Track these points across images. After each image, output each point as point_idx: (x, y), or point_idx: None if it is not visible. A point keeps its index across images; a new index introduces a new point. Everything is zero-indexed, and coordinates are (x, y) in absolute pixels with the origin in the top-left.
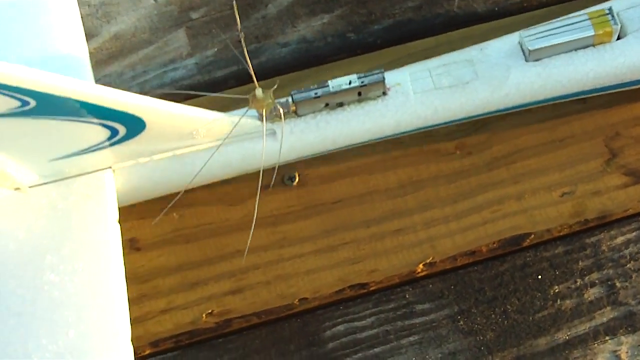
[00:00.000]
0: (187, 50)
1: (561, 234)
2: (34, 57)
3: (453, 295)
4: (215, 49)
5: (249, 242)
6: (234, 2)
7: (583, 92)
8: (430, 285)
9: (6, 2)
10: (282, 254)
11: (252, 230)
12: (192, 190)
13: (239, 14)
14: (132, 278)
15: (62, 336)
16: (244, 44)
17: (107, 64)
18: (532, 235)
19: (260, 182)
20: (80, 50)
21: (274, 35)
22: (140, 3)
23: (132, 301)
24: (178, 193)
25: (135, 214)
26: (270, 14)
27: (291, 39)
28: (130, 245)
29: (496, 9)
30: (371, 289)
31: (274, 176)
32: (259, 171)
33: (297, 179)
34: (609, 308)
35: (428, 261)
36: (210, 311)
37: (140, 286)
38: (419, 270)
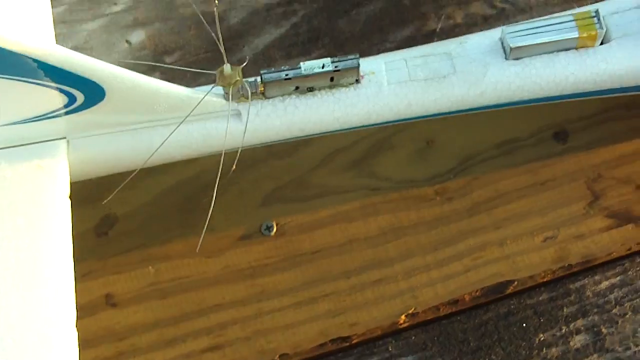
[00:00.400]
0: None
1: (545, 280)
2: None
3: (437, 347)
4: (197, 46)
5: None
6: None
7: (561, 97)
8: (413, 337)
9: None
10: (261, 308)
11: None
12: (168, 242)
13: (216, 58)
14: (109, 335)
15: (2, 317)
16: (216, 15)
17: None
18: (515, 282)
19: (221, 164)
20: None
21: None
22: (114, 47)
23: None
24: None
25: (110, 269)
26: (246, 58)
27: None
28: (106, 301)
29: None
30: (353, 342)
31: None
32: (236, 222)
33: (275, 229)
34: (595, 355)
35: (410, 312)
36: None
37: (117, 344)
38: (402, 321)
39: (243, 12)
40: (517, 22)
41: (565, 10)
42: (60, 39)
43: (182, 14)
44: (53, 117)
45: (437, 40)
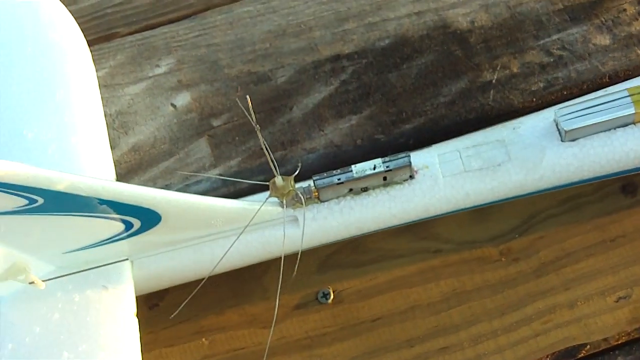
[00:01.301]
0: (210, 161)
1: (619, 342)
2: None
3: None
4: (239, 159)
5: (269, 340)
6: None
7: (623, 172)
8: None
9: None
10: None
11: (272, 327)
12: (222, 313)
13: (265, 119)
14: None
15: None
16: (259, 133)
17: (126, 178)
18: (588, 346)
19: (282, 270)
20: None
21: (300, 140)
22: (159, 111)
23: None
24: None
25: (163, 342)
26: (296, 118)
27: (318, 143)
28: None
29: (534, 99)
30: None
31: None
32: (291, 290)
33: (332, 296)
34: None
35: None
36: None
37: None
38: None
39: (290, 70)
40: (576, 70)
41: (626, 54)
42: (104, 104)
43: (227, 74)
44: (114, 241)
45: (493, 93)
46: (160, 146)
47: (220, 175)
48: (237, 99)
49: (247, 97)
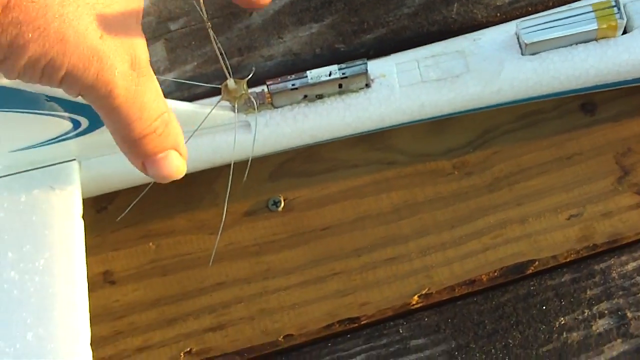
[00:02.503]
0: (165, 65)
1: (568, 260)
2: None
3: (450, 329)
4: (195, 63)
5: (215, 246)
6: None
7: (582, 89)
8: (426, 319)
9: None
10: (266, 287)
11: (219, 233)
12: (171, 218)
13: (222, 24)
14: (107, 314)
15: (20, 339)
16: (211, 32)
17: None
18: (537, 262)
19: (230, 176)
20: None
21: (257, 47)
22: None
23: (106, 339)
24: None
25: (109, 245)
26: (255, 24)
27: (276, 51)
28: (104, 279)
29: (498, 14)
30: (362, 323)
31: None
32: (242, 197)
33: (282, 204)
34: (619, 341)
35: (423, 292)
36: (189, 349)
37: (115, 323)
38: (414, 302)
39: None
40: None
41: None
42: None
43: None
44: (62, 140)
45: (457, 6)
46: None
47: (175, 79)
48: (194, 1)
49: None
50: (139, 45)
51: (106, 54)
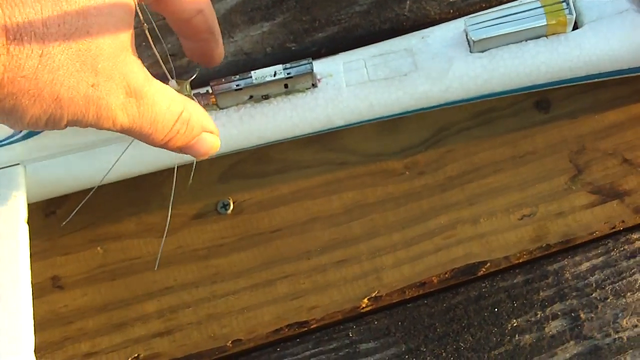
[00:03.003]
0: None
1: (520, 261)
2: None
3: (400, 333)
4: (146, 64)
5: (160, 250)
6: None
7: (534, 86)
8: (376, 322)
9: None
10: (214, 291)
11: (164, 237)
12: (119, 222)
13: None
14: (55, 319)
15: None
16: (147, 34)
17: None
18: (488, 264)
19: (175, 178)
20: None
21: None
22: None
23: (54, 345)
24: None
25: (57, 250)
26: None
27: (227, 50)
28: (53, 284)
29: (451, 10)
30: (311, 327)
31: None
32: (191, 199)
33: (231, 207)
34: (572, 342)
35: (373, 295)
36: (136, 355)
37: (64, 328)
38: (364, 305)
39: None
40: None
41: None
42: None
43: None
44: (6, 144)
45: (409, 3)
46: None
47: None
48: (143, 3)
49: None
50: (131, 71)
51: (100, 97)
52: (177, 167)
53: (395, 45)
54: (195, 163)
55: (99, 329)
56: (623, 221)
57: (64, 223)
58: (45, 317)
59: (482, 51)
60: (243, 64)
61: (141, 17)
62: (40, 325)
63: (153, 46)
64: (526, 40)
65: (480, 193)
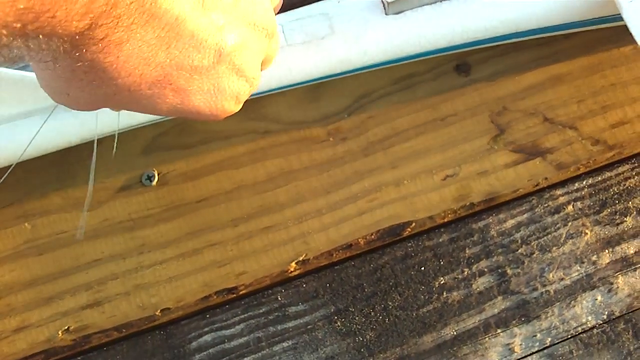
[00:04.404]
0: None
1: (445, 220)
2: None
3: (329, 294)
4: None
5: (83, 222)
6: None
7: (452, 47)
8: (304, 285)
9: None
10: (141, 262)
11: (85, 208)
12: (46, 197)
13: None
14: None
15: None
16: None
17: None
18: (413, 224)
19: (95, 151)
20: None
21: None
22: None
23: None
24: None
25: None
26: None
27: None
28: None
29: None
30: (240, 293)
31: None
32: (115, 172)
33: (156, 178)
34: (500, 298)
35: (301, 259)
36: (66, 327)
37: None
38: (292, 269)
39: None
40: None
41: None
42: None
43: None
44: None
45: None
46: None
47: None
48: None
49: None
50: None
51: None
52: (98, 139)
53: (311, 10)
54: (117, 134)
55: (27, 303)
56: (546, 178)
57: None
58: None
59: (397, 13)
60: None
61: None
62: None
63: None
64: (441, 1)
65: (403, 156)
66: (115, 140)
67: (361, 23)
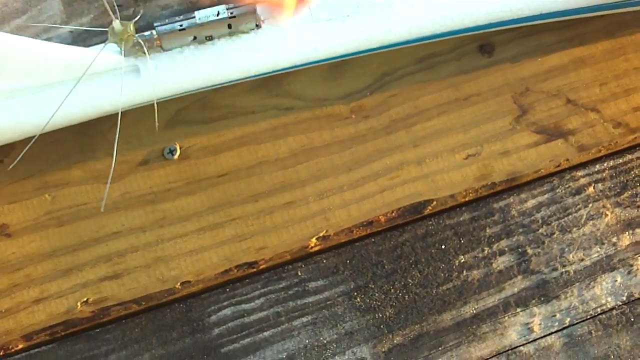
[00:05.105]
0: (61, 19)
1: (466, 199)
2: None
3: (349, 271)
4: (91, 15)
5: (106, 193)
6: None
7: (476, 28)
8: (324, 261)
9: None
10: (162, 235)
11: (109, 180)
12: (67, 169)
13: None
14: (3, 267)
15: None
16: None
17: None
18: (434, 202)
19: (119, 123)
20: None
21: None
22: None
23: (3, 292)
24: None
25: (6, 198)
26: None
27: (173, 0)
28: (1, 232)
29: None
30: (260, 267)
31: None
32: (137, 145)
33: (178, 152)
34: (519, 277)
35: (321, 235)
36: (85, 299)
37: (11, 275)
38: (312, 245)
39: None
40: None
41: None
42: None
43: None
44: None
45: None
46: (13, 4)
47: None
48: None
49: None
50: None
51: None
52: (122, 112)
53: None
54: (156, 104)
55: (47, 275)
56: (567, 159)
57: (9, 168)
58: None
59: None
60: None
61: None
62: None
63: None
64: None
65: (425, 135)
66: (155, 109)
67: (387, 1)
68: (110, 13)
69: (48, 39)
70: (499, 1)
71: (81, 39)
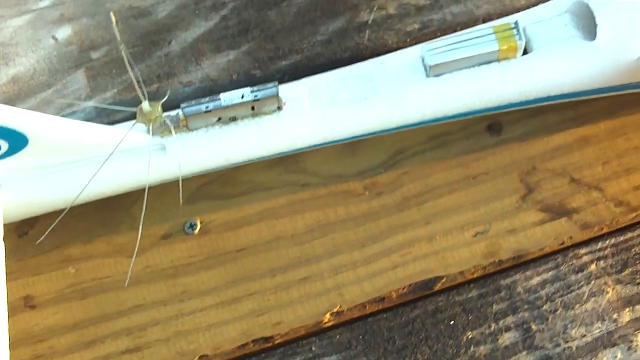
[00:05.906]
0: (86, 93)
1: (474, 276)
2: None
3: (361, 346)
4: (115, 90)
5: (130, 268)
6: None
7: (487, 109)
8: (338, 336)
9: None
10: (182, 309)
11: (134, 255)
12: (90, 243)
13: (143, 52)
14: (27, 338)
15: None
16: (124, 54)
17: None
18: (444, 279)
19: (145, 200)
20: None
21: (176, 74)
22: (40, 43)
23: None
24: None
25: (29, 270)
26: (174, 52)
27: (194, 77)
28: (25, 303)
29: (408, 39)
30: (276, 342)
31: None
32: (159, 220)
33: (198, 227)
34: (524, 353)
35: (335, 310)
36: None
37: (35, 346)
38: (326, 320)
39: (171, 5)
40: (451, 12)
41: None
42: None
43: (109, 8)
44: None
45: (369, 32)
46: (39, 77)
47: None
48: (113, 23)
49: (111, 13)
50: None
51: None
52: (147, 192)
53: (356, 70)
54: (180, 180)
55: (70, 346)
56: (571, 237)
57: (37, 242)
58: (16, 336)
59: (438, 75)
60: (210, 90)
61: (119, 40)
62: (11, 344)
63: (129, 64)
64: (479, 65)
65: (436, 212)
66: (180, 185)
67: (402, 84)
68: (140, 95)
69: (73, 112)
70: (509, 86)
71: (105, 113)
